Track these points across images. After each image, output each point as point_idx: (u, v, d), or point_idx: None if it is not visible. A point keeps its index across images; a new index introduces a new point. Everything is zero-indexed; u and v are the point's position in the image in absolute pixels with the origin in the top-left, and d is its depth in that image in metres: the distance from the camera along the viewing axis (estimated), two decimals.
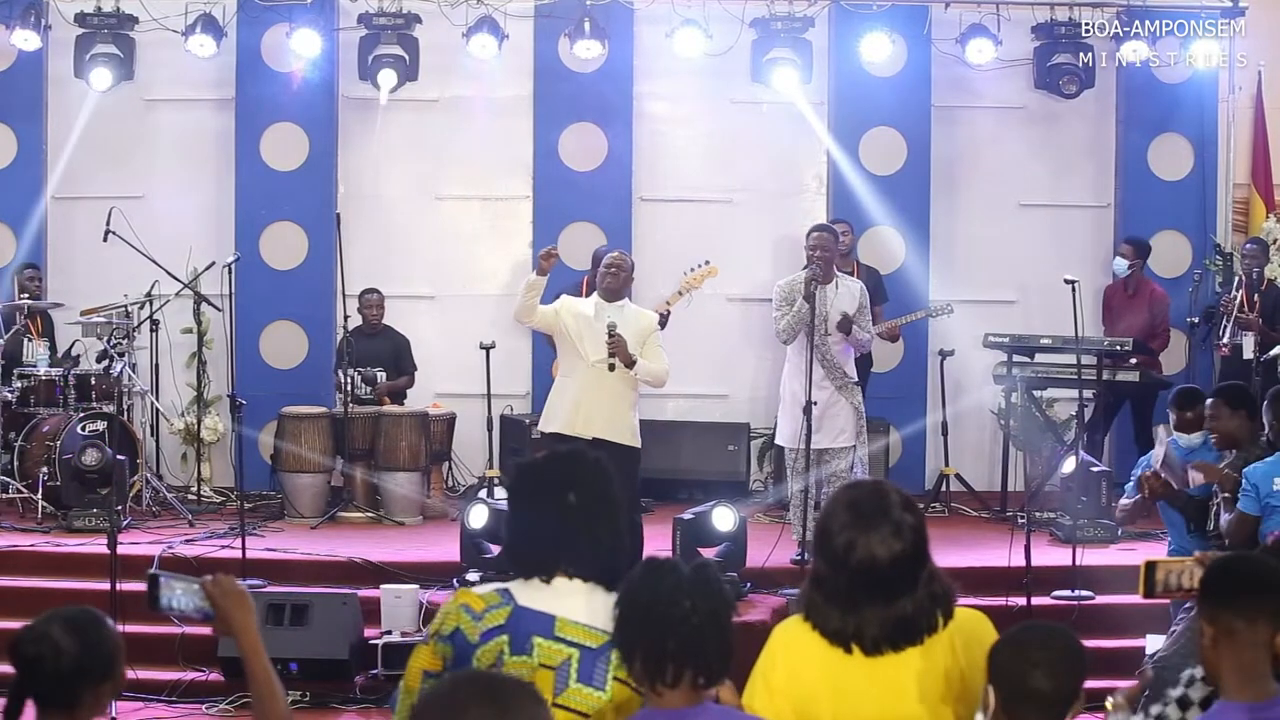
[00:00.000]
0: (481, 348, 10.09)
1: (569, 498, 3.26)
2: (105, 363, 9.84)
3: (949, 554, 8.07)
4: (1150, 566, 3.65)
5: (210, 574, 3.15)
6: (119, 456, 9.06)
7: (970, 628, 3.24)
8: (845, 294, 8.48)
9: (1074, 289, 9.16)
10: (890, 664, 3.17)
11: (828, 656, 3.19)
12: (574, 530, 3.25)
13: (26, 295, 10.10)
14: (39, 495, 9.21)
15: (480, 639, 3.19)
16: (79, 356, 10.27)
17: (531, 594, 3.23)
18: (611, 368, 7.65)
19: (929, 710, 3.17)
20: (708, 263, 8.51)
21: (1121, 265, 10.56)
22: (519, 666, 3.16)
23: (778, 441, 8.82)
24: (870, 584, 3.15)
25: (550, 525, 3.26)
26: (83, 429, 9.36)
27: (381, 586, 7.59)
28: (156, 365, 10.34)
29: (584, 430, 7.70)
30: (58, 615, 3.02)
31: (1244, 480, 6.26)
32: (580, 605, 3.22)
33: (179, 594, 3.08)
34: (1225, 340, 10.04)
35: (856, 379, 8.61)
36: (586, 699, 3.16)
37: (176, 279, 10.14)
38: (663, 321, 8.36)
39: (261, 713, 3.07)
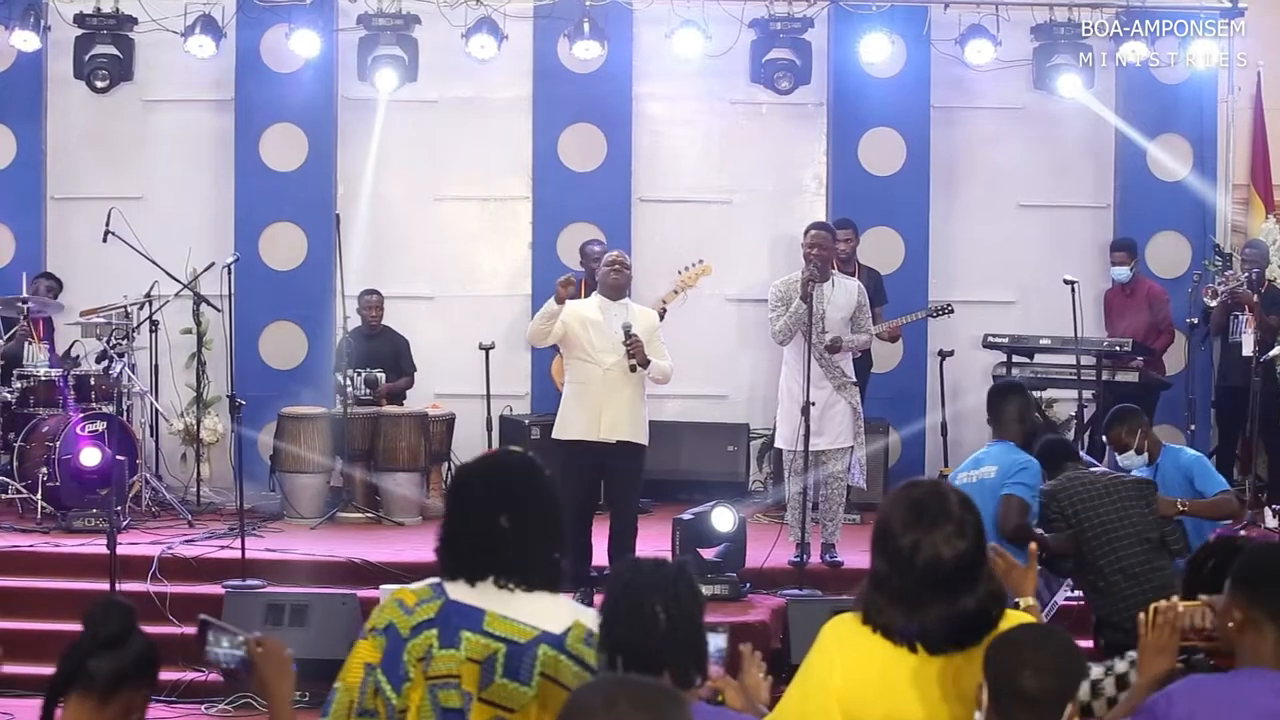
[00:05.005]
0: (481, 348, 10.08)
1: (500, 520, 3.24)
2: (105, 363, 9.84)
3: None
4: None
5: (258, 633, 3.16)
6: (118, 457, 9.05)
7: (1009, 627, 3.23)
8: (842, 292, 8.46)
9: (1073, 289, 9.19)
10: (950, 664, 3.18)
11: (887, 657, 3.19)
12: (505, 547, 3.25)
13: (36, 300, 10.08)
14: (38, 495, 9.21)
15: (411, 633, 3.21)
16: (79, 357, 10.27)
17: (462, 590, 3.25)
18: (633, 369, 7.66)
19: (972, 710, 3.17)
20: (701, 261, 8.52)
21: (1123, 273, 10.54)
22: (447, 660, 3.19)
23: (777, 444, 8.80)
24: (935, 583, 3.15)
25: (479, 540, 3.26)
26: (82, 429, 9.36)
27: (381, 587, 7.57)
28: (156, 366, 10.33)
29: (609, 435, 7.71)
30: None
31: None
32: (510, 602, 3.23)
33: (224, 646, 3.09)
34: (1219, 290, 10.00)
35: (854, 379, 8.60)
36: (512, 694, 3.17)
37: (176, 279, 10.14)
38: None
39: None
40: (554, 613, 3.23)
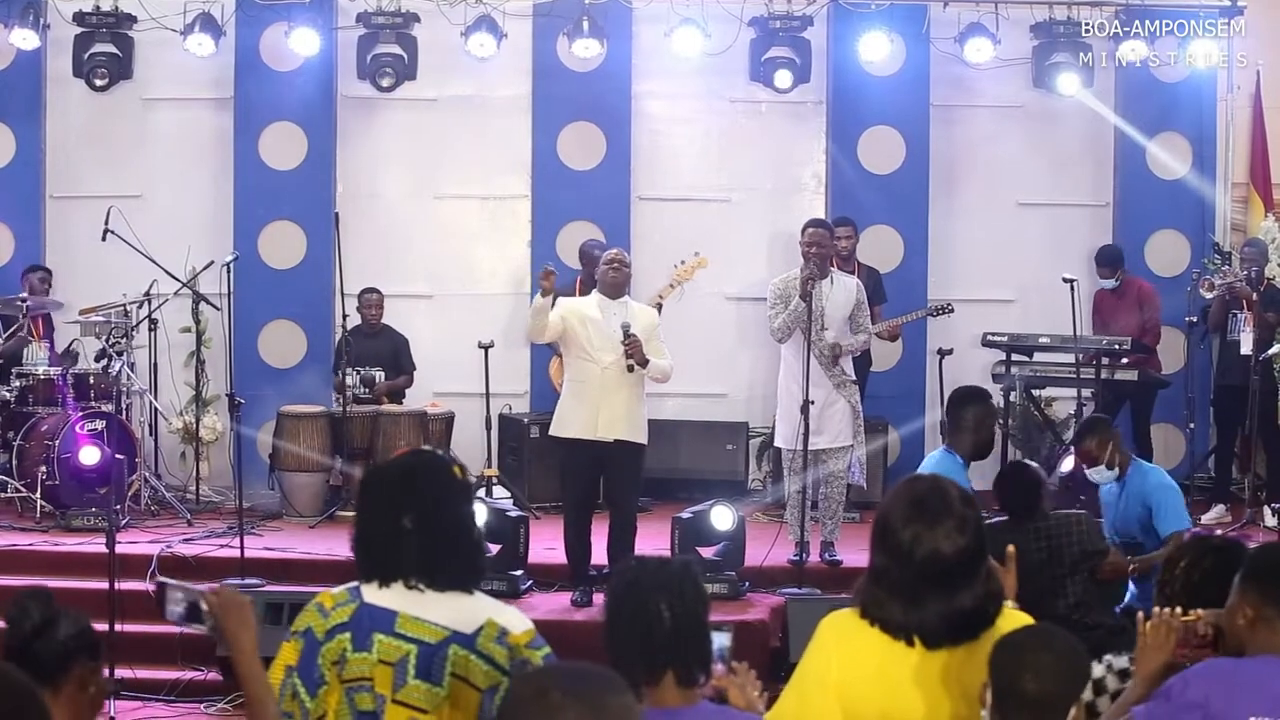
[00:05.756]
0: (480, 347, 10.07)
1: (404, 521, 3.27)
2: (104, 362, 9.83)
3: None
4: None
5: (213, 583, 3.21)
6: (117, 455, 9.05)
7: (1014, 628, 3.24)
8: (841, 289, 8.45)
9: (1072, 288, 9.19)
10: (945, 660, 3.18)
11: (885, 652, 3.20)
12: (410, 548, 3.27)
13: (28, 295, 10.07)
14: (37, 494, 9.21)
15: (325, 637, 3.26)
16: (78, 355, 10.27)
17: (376, 592, 3.29)
18: (631, 369, 7.64)
19: (973, 708, 3.17)
20: (698, 254, 8.52)
21: (1110, 284, 10.51)
22: (359, 663, 3.22)
23: (776, 444, 8.80)
24: (934, 578, 3.16)
25: (387, 542, 3.30)
26: (81, 428, 9.35)
27: None
28: (155, 364, 10.32)
29: (606, 434, 7.69)
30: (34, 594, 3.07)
31: None
32: (422, 603, 3.25)
33: (181, 605, 3.14)
34: (1217, 283, 9.98)
35: (854, 377, 8.60)
36: (425, 695, 3.19)
37: (175, 278, 10.13)
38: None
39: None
40: (466, 613, 3.24)
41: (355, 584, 3.33)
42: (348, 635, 3.24)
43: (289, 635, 3.31)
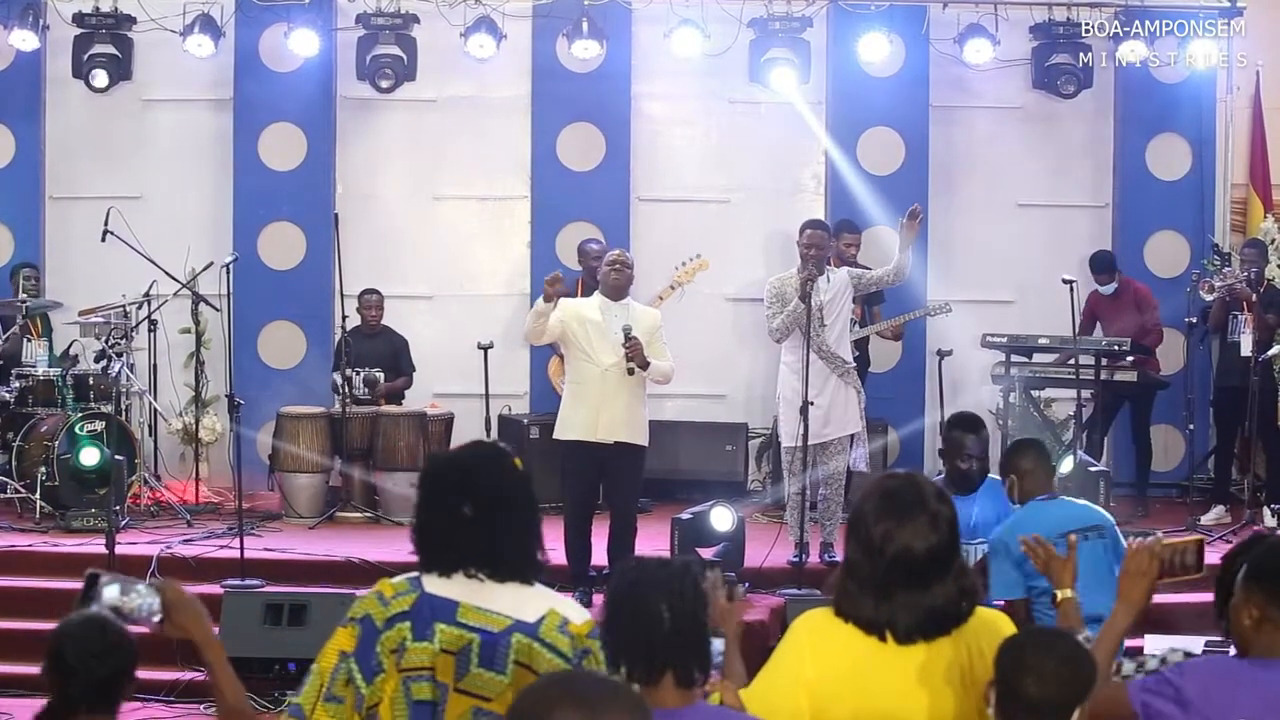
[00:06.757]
0: (479, 348, 10.04)
1: (464, 511, 3.29)
2: (103, 363, 9.84)
3: None
4: None
5: (157, 578, 3.20)
6: (117, 456, 9.06)
7: (990, 625, 3.25)
8: (837, 282, 8.45)
9: (1072, 289, 9.18)
10: (918, 655, 3.18)
11: (858, 648, 3.19)
12: (470, 538, 3.28)
13: (25, 296, 10.09)
14: (37, 495, 9.21)
15: (385, 625, 3.25)
16: (77, 356, 10.27)
17: (437, 582, 3.29)
18: (631, 371, 7.63)
19: (946, 703, 3.18)
20: (698, 256, 8.51)
21: (1110, 288, 10.48)
22: (420, 652, 3.22)
23: (783, 442, 8.78)
24: (905, 574, 3.16)
25: (447, 531, 3.31)
26: (81, 429, 9.35)
27: None
28: (155, 365, 10.33)
29: (606, 436, 7.69)
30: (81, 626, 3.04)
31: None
32: (485, 593, 3.26)
33: (136, 595, 3.05)
34: (1217, 285, 9.96)
35: (853, 364, 8.58)
36: (488, 683, 3.19)
37: (174, 279, 10.13)
38: None
39: (226, 713, 3.15)
40: (528, 602, 3.26)
41: (415, 574, 3.33)
42: (408, 624, 3.24)
43: (345, 621, 3.29)
